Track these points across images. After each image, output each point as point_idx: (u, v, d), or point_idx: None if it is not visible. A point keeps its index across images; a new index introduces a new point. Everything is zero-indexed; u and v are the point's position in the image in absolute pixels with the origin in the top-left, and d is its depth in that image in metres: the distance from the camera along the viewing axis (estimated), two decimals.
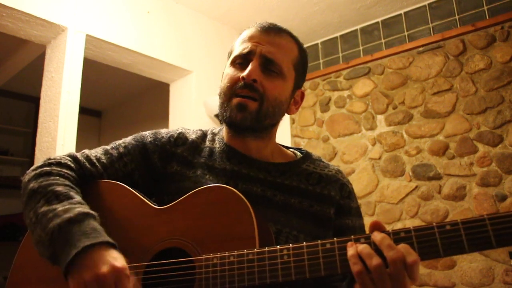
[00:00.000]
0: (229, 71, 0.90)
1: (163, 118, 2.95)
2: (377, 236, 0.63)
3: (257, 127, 0.88)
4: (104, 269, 0.65)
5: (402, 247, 0.61)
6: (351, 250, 0.63)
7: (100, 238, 0.69)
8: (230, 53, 0.95)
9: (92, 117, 4.65)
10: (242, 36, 0.92)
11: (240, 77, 0.86)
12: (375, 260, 0.60)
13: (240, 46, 0.90)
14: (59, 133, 1.98)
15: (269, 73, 0.87)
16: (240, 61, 0.89)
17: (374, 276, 0.60)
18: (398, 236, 0.63)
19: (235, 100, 0.86)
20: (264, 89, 0.85)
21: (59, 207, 0.73)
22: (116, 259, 0.68)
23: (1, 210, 3.74)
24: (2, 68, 3.23)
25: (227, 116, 0.87)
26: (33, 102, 3.93)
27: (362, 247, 0.62)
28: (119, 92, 4.17)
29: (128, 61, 2.49)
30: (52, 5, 2.05)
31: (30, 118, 4.06)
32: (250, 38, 0.89)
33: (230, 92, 0.87)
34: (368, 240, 0.64)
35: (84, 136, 2.98)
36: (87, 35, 2.17)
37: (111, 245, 0.70)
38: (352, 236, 0.65)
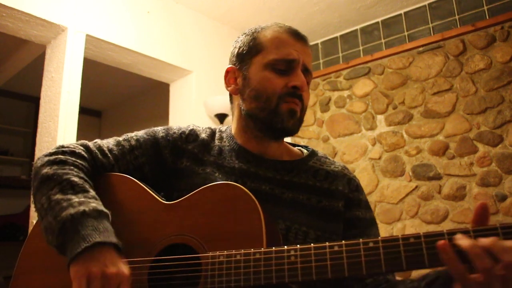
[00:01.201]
0: (269, 75, 0.87)
1: (163, 118, 2.95)
2: (486, 240, 0.55)
3: (296, 132, 0.91)
4: (113, 269, 0.66)
5: None
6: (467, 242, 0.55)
7: (111, 239, 0.69)
8: (254, 52, 0.90)
9: (92, 117, 4.66)
10: (275, 39, 0.88)
11: (290, 85, 0.85)
12: (487, 263, 0.53)
13: (279, 51, 0.87)
14: (59, 133, 1.98)
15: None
16: (282, 67, 0.86)
17: (482, 281, 0.54)
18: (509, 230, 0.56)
19: (286, 106, 0.86)
20: (304, 98, 0.89)
21: (74, 198, 0.73)
22: (123, 265, 0.69)
23: (1, 210, 3.74)
24: (2, 68, 3.23)
25: (278, 122, 0.86)
26: (33, 102, 3.93)
27: (490, 241, 0.54)
28: (119, 92, 4.17)
29: (128, 61, 2.49)
30: (52, 5, 2.05)
31: (30, 118, 4.05)
32: (289, 45, 0.87)
33: (277, 98, 0.85)
34: (377, 244, 0.62)
35: (84, 136, 2.97)
36: (87, 35, 2.17)
37: (119, 249, 0.71)
38: (361, 240, 0.64)
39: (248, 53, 0.91)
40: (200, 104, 2.67)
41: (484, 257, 0.53)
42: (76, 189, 0.75)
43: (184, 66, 2.62)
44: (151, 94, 3.99)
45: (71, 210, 0.70)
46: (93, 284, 0.65)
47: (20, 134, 4.10)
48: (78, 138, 2.04)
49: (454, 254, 0.55)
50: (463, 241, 0.56)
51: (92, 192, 0.77)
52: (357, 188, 0.94)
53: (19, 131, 4.07)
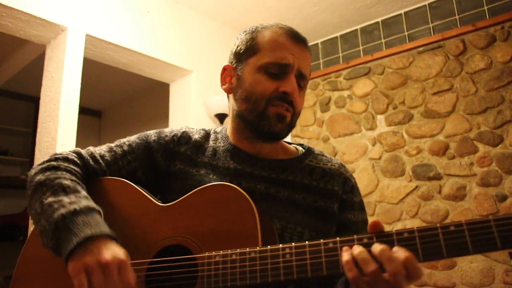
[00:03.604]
0: (260, 77, 0.86)
1: (163, 118, 2.95)
2: (377, 248, 0.61)
3: (284, 137, 0.90)
4: (108, 256, 0.66)
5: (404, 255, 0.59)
6: (346, 256, 0.62)
7: (102, 230, 0.70)
8: (250, 52, 0.89)
9: (92, 117, 4.65)
10: (272, 42, 0.87)
11: (281, 90, 0.84)
12: (371, 266, 0.59)
13: (274, 54, 0.85)
14: (59, 133, 1.98)
15: (300, 88, 0.88)
16: (275, 71, 0.85)
17: (370, 280, 0.60)
18: (401, 237, 0.62)
19: (274, 110, 0.85)
20: (296, 104, 0.87)
21: (65, 199, 0.74)
22: (118, 250, 0.68)
23: (1, 210, 3.75)
24: (2, 68, 3.23)
25: (265, 125, 0.85)
26: (33, 102, 3.93)
27: (358, 252, 0.61)
28: (119, 92, 4.17)
29: (128, 61, 2.49)
30: (52, 5, 2.05)
31: (30, 118, 4.06)
32: (285, 48, 0.85)
33: (265, 102, 0.85)
34: (371, 240, 0.63)
35: (84, 136, 2.98)
36: (87, 35, 2.17)
37: (113, 238, 0.71)
38: (355, 236, 0.64)
39: (245, 53, 0.89)
40: (200, 104, 2.67)
41: (370, 261, 0.60)
42: (68, 190, 0.76)
43: (184, 66, 2.62)
44: (151, 94, 3.99)
45: (62, 210, 0.71)
46: (94, 276, 0.65)
47: (20, 134, 4.10)
48: (78, 138, 2.05)
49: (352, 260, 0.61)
50: (347, 252, 0.62)
51: (84, 192, 0.78)
52: (352, 189, 0.93)
53: (19, 131, 4.07)
